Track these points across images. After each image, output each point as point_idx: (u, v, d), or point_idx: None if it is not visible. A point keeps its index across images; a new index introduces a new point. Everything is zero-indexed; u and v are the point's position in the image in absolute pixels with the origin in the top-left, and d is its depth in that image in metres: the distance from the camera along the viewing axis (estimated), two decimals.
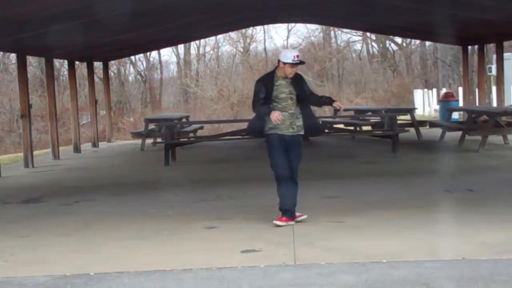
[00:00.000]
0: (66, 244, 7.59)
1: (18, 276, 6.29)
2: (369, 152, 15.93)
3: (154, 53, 43.01)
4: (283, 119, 7.74)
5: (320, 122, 8.33)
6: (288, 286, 5.70)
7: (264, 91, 7.78)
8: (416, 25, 19.47)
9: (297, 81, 7.90)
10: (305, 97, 7.92)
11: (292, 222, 7.82)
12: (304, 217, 7.96)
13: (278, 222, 7.78)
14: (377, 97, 38.73)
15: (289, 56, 7.76)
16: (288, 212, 7.83)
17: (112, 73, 38.06)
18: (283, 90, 7.80)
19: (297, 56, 7.80)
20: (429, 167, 12.79)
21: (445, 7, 14.46)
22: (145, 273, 6.18)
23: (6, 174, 14.34)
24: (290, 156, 7.85)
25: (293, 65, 7.76)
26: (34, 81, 35.43)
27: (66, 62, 23.07)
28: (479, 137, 15.07)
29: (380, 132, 16.83)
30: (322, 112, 35.64)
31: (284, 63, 7.75)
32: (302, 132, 7.95)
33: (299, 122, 7.90)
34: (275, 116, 7.65)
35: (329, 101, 8.06)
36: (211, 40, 42.55)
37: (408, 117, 18.96)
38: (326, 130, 18.41)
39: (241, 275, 6.02)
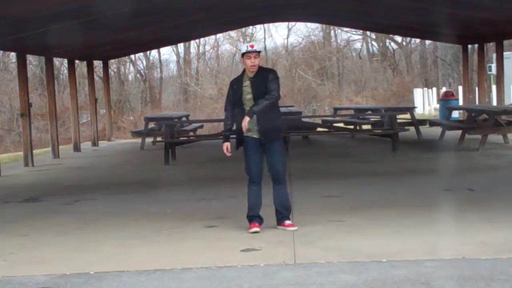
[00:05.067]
0: (66, 243, 7.59)
1: (18, 275, 6.29)
2: (369, 151, 15.93)
3: (154, 52, 43.01)
4: (253, 126, 7.55)
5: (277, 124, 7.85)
6: (288, 285, 5.69)
7: (232, 95, 7.62)
8: (416, 24, 19.47)
9: (260, 79, 7.51)
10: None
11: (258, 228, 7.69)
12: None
13: (256, 229, 7.65)
14: (377, 96, 38.71)
15: (243, 48, 7.57)
16: (256, 219, 7.71)
17: (112, 72, 38.02)
18: (249, 91, 7.57)
19: (252, 46, 7.53)
20: (429, 166, 12.79)
21: (445, 6, 14.45)
22: (145, 272, 6.18)
23: (6, 173, 14.34)
24: (264, 158, 7.71)
25: (249, 55, 7.47)
26: (34, 80, 35.40)
27: (66, 61, 23.10)
28: (479, 136, 15.07)
29: (380, 131, 16.83)
30: (322, 111, 35.73)
31: (242, 57, 7.55)
32: (256, 136, 7.61)
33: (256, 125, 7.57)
34: (225, 148, 7.59)
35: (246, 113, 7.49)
36: (211, 39, 42.56)
37: (408, 116, 18.97)
38: (325, 129, 18.39)
39: (241, 274, 6.02)
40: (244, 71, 7.71)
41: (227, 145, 7.69)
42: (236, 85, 7.67)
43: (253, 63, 7.52)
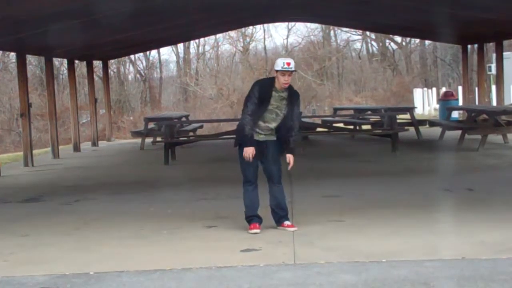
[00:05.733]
0: (66, 243, 7.59)
1: (17, 275, 6.29)
2: (369, 151, 15.94)
3: (153, 52, 43.01)
4: (260, 128, 7.60)
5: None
6: (288, 285, 5.70)
7: (260, 96, 7.57)
8: (416, 24, 19.46)
9: (291, 101, 7.61)
10: (288, 118, 7.63)
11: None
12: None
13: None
14: (376, 96, 38.73)
15: (279, 63, 7.52)
16: (255, 219, 7.79)
17: (111, 72, 38.00)
18: (273, 102, 7.58)
19: (288, 64, 7.50)
20: (429, 166, 12.79)
21: (445, 6, 14.45)
22: (145, 272, 6.18)
23: (6, 173, 14.34)
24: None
25: (284, 73, 7.49)
26: (34, 80, 35.39)
27: (65, 61, 23.08)
28: (478, 136, 15.08)
29: (379, 131, 16.83)
30: (322, 112, 35.73)
31: (276, 71, 7.54)
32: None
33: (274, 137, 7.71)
34: (247, 153, 7.58)
35: (286, 148, 7.70)
36: (210, 39, 42.54)
37: (407, 116, 18.97)
38: (325, 129, 18.39)
39: (241, 274, 6.02)
40: (273, 80, 7.64)
41: (252, 150, 7.61)
42: (266, 91, 7.59)
43: (286, 81, 7.54)
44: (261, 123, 7.63)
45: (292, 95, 7.68)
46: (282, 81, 7.53)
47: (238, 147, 7.77)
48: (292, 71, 7.56)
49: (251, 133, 7.60)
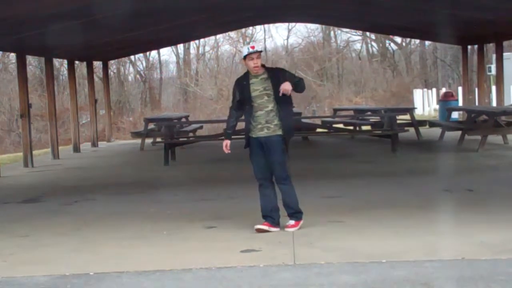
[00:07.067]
0: (65, 243, 7.59)
1: (17, 276, 6.29)
2: (369, 152, 15.93)
3: (153, 53, 43.02)
4: (258, 118, 7.58)
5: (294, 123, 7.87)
6: (288, 286, 5.70)
7: (239, 93, 7.65)
8: (416, 25, 19.47)
9: (275, 75, 7.59)
10: (293, 87, 7.58)
11: (275, 229, 7.56)
12: (292, 229, 7.60)
13: (260, 226, 7.56)
14: (376, 97, 38.72)
15: (244, 51, 7.59)
16: (267, 218, 7.60)
17: (111, 73, 38.02)
18: (256, 88, 7.55)
19: (252, 47, 7.55)
20: (429, 166, 12.79)
21: (445, 7, 14.46)
22: (144, 273, 6.18)
23: (5, 173, 14.33)
24: (268, 159, 7.60)
25: (251, 57, 7.48)
26: (34, 81, 35.37)
27: (65, 61, 23.08)
28: (478, 137, 15.08)
29: (379, 131, 16.82)
30: (321, 112, 35.74)
31: (244, 59, 7.58)
32: (280, 132, 7.57)
33: (277, 121, 7.57)
34: (224, 145, 7.79)
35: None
36: (210, 39, 42.53)
37: (407, 116, 18.97)
38: (324, 130, 18.41)
39: (241, 274, 6.02)
40: (247, 71, 7.69)
41: (227, 143, 7.80)
42: (243, 83, 7.67)
43: (255, 64, 7.53)
44: (258, 112, 7.58)
45: (275, 73, 7.67)
46: (252, 65, 7.53)
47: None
48: (259, 52, 7.58)
49: (231, 126, 7.89)
